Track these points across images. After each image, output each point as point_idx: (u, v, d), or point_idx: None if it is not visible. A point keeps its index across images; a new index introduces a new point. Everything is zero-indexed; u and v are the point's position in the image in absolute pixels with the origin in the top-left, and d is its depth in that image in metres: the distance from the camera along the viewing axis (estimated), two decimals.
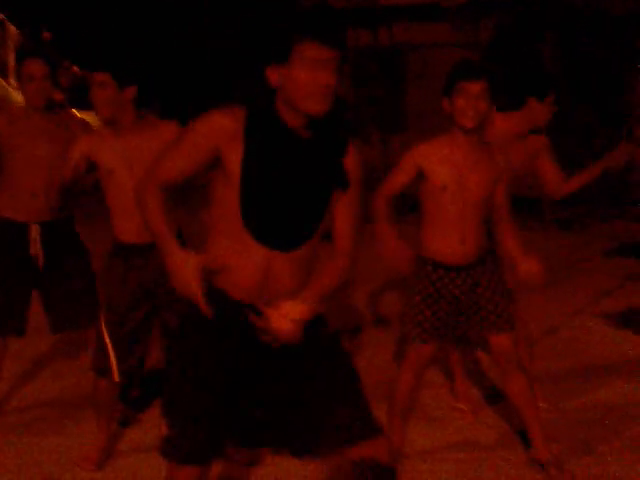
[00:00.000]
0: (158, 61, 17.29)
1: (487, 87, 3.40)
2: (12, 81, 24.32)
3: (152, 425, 4.20)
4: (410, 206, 4.19)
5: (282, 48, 2.27)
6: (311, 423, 2.51)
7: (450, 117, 3.46)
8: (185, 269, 2.32)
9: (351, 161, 2.48)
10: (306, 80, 2.26)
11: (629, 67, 12.08)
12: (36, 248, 4.13)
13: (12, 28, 24.98)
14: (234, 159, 2.34)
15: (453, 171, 3.49)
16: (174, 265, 2.35)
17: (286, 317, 2.36)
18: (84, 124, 4.25)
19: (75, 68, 20.97)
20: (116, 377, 3.70)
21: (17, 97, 22.76)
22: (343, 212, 2.52)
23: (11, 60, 25.66)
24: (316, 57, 2.25)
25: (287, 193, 2.40)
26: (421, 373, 3.78)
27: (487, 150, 3.57)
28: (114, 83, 3.53)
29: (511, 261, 3.62)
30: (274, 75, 2.32)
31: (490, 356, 3.86)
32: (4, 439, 4.08)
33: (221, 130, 2.33)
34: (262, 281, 2.41)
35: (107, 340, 3.67)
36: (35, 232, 4.12)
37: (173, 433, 2.54)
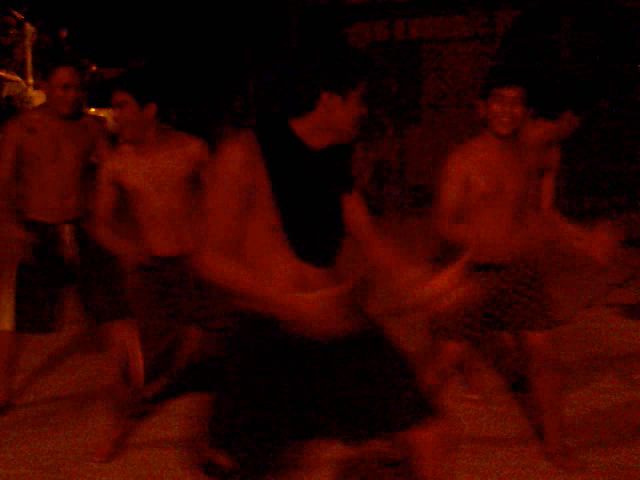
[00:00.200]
0: (171, 70, 17.33)
1: (523, 93, 3.37)
2: (30, 80, 24.55)
3: (163, 418, 4.25)
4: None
5: (347, 83, 2.33)
6: (373, 409, 2.47)
7: (484, 121, 3.45)
8: (303, 305, 2.22)
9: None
10: (358, 113, 2.37)
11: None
12: (71, 247, 4.18)
13: (30, 27, 25.20)
14: (258, 185, 2.33)
15: (491, 177, 3.45)
16: (286, 304, 2.25)
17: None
18: (101, 123, 4.29)
19: (93, 66, 21.13)
20: (138, 382, 3.73)
21: (34, 96, 22.92)
22: (357, 207, 2.58)
23: (28, 59, 25.91)
24: (364, 94, 2.38)
25: (318, 205, 2.43)
26: (447, 373, 3.76)
27: (520, 151, 3.55)
28: (134, 102, 3.55)
29: (573, 240, 3.61)
30: (329, 101, 2.34)
31: (503, 348, 3.88)
32: (19, 431, 4.14)
33: (245, 163, 2.30)
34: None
35: (139, 353, 3.71)
36: (68, 232, 4.17)
37: (234, 465, 2.46)
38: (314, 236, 2.43)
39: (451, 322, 3.58)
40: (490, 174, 3.46)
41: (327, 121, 2.36)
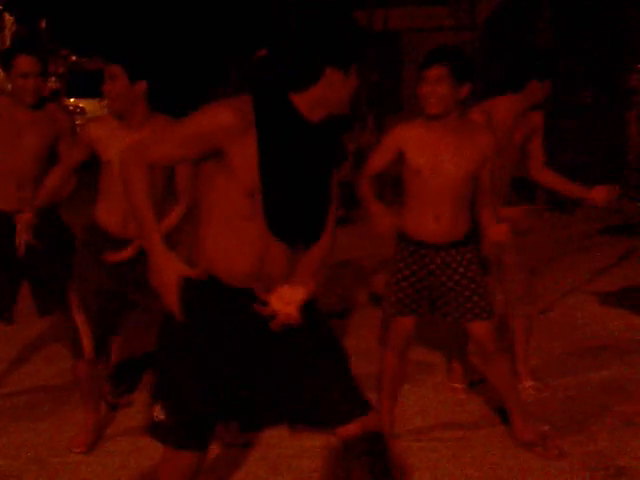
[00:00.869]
0: (164, 59, 17.23)
1: (447, 71, 3.40)
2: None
3: (142, 409, 4.22)
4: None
5: (350, 59, 2.36)
6: (305, 403, 2.53)
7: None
8: (166, 272, 2.38)
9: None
10: (353, 88, 2.40)
11: (627, 44, 12.02)
12: (23, 236, 4.14)
13: (8, 17, 24.97)
14: (243, 153, 2.33)
15: (428, 154, 3.52)
16: (155, 264, 2.39)
17: (288, 302, 2.40)
18: (69, 114, 4.26)
19: (72, 56, 20.98)
20: (88, 354, 3.70)
21: (8, 86, 22.73)
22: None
23: None
24: (347, 79, 2.37)
25: (304, 179, 2.43)
26: (403, 351, 3.80)
27: (469, 132, 3.57)
28: (125, 76, 3.54)
29: (484, 232, 3.67)
30: (332, 75, 2.35)
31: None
32: None
33: (225, 128, 2.30)
34: (259, 268, 2.42)
35: (77, 317, 3.70)
36: (22, 221, 4.11)
37: (170, 419, 2.51)
38: (292, 212, 2.42)
39: (397, 298, 3.66)
40: (426, 151, 3.52)
41: (326, 95, 2.37)
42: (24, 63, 3.96)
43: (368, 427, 2.50)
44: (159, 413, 2.52)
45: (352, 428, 2.48)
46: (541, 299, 5.95)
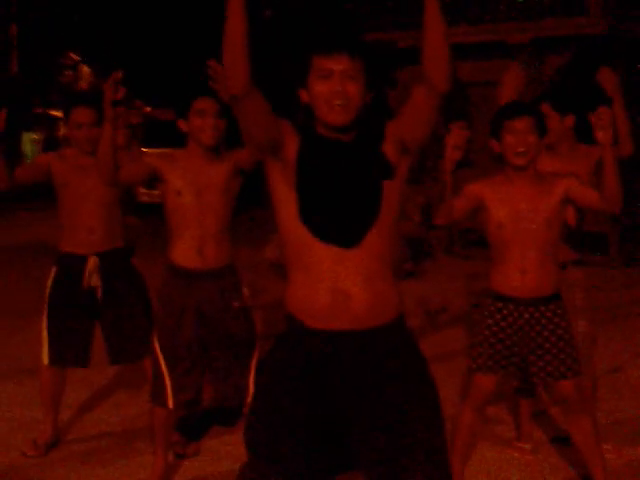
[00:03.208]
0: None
1: (534, 123, 3.47)
2: None
3: (209, 457, 4.25)
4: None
5: (302, 69, 2.44)
6: (388, 459, 2.44)
7: (501, 157, 3.50)
8: None
9: (389, 142, 2.51)
10: (320, 92, 2.42)
11: None
12: (94, 280, 4.25)
13: (85, 69, 25.79)
14: (291, 157, 2.45)
15: (509, 207, 3.53)
16: None
17: None
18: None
19: (147, 108, 21.51)
20: (170, 404, 3.75)
21: None
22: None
23: None
24: (325, 68, 2.41)
25: (336, 190, 2.45)
26: (481, 408, 3.75)
27: (546, 183, 3.57)
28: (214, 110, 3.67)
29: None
30: (304, 95, 2.48)
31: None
32: (67, 467, 4.15)
33: (288, 125, 2.47)
34: (334, 299, 2.41)
35: (162, 365, 3.74)
36: (92, 264, 4.25)
37: (253, 470, 2.52)
38: (327, 210, 2.45)
39: (479, 353, 3.62)
40: (508, 206, 3.53)
41: (314, 111, 2.46)
42: (79, 114, 4.18)
43: None
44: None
45: None
46: (612, 359, 5.84)
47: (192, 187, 3.72)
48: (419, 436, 2.44)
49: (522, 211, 3.52)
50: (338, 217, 2.43)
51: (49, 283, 4.32)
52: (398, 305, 2.53)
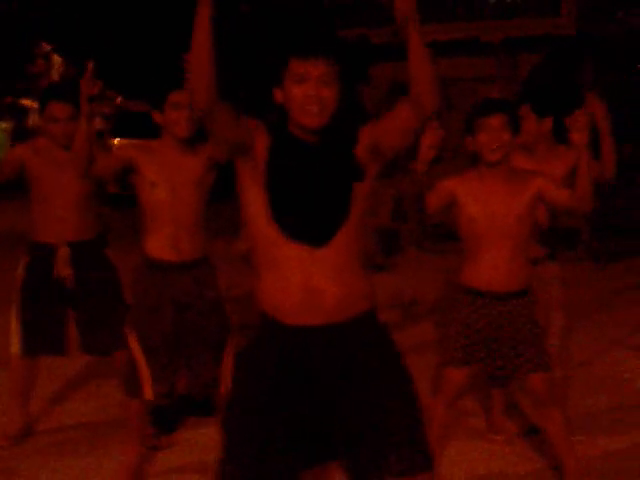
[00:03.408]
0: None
1: (508, 120, 3.51)
2: None
3: (183, 449, 4.23)
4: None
5: (278, 69, 2.45)
6: (365, 446, 2.47)
7: (475, 154, 3.53)
8: None
9: (361, 146, 2.53)
10: (295, 95, 2.43)
11: None
12: (65, 269, 4.21)
13: (57, 58, 25.52)
14: (261, 156, 2.46)
15: (481, 203, 3.56)
16: None
17: None
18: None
19: (119, 97, 21.34)
20: (149, 395, 3.72)
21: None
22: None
23: None
24: (301, 72, 2.42)
25: (306, 190, 2.46)
26: (453, 402, 3.77)
27: (519, 179, 3.60)
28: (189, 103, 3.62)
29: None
30: (279, 94, 2.49)
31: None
32: (40, 459, 4.12)
33: (259, 126, 2.49)
34: (305, 296, 2.43)
35: (139, 357, 3.71)
36: (63, 253, 4.22)
37: (226, 460, 2.53)
38: (295, 208, 2.47)
39: (449, 347, 3.65)
40: (478, 200, 3.56)
41: (288, 112, 2.47)
42: (55, 108, 4.14)
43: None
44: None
45: None
46: (582, 353, 5.88)
47: (167, 182, 3.72)
48: (397, 423, 2.47)
49: (494, 207, 3.55)
50: (308, 216, 2.46)
51: (20, 272, 4.29)
52: (370, 297, 2.57)
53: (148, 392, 3.72)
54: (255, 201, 2.47)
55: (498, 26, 16.72)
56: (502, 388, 4.35)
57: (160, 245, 3.75)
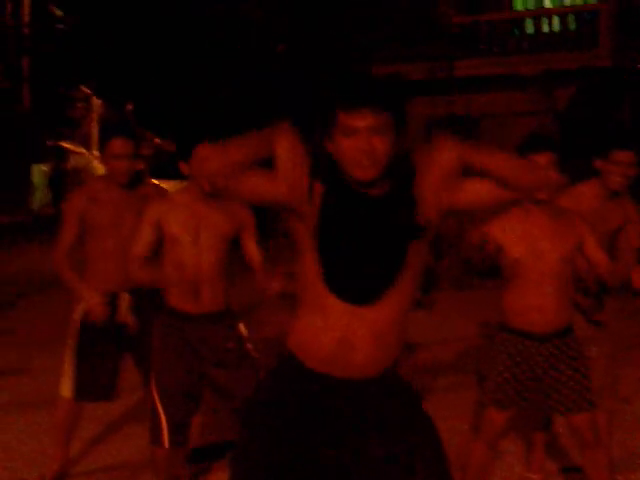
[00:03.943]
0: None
1: (554, 158, 3.46)
2: (95, 152, 25.23)
3: None
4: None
5: (326, 122, 2.37)
6: None
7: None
8: None
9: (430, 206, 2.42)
10: (345, 148, 2.33)
11: None
12: (127, 316, 4.24)
13: (96, 101, 26.00)
14: (314, 207, 2.39)
15: (526, 242, 3.53)
16: None
17: None
18: (162, 192, 4.37)
19: (157, 139, 21.65)
20: (166, 443, 3.76)
21: (99, 167, 23.54)
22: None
23: (94, 132, 26.66)
24: (351, 125, 2.30)
25: (358, 250, 2.39)
26: (494, 443, 3.72)
27: (564, 218, 3.59)
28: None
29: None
30: (330, 146, 2.39)
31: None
32: None
33: (308, 178, 2.40)
34: (337, 350, 2.39)
35: (158, 405, 3.76)
36: (124, 300, 4.24)
37: None
38: (345, 267, 2.39)
39: (491, 388, 3.60)
40: (523, 240, 3.53)
41: (351, 146, 2.34)
42: (117, 145, 4.12)
43: None
44: None
45: None
46: (621, 389, 5.77)
47: (190, 235, 3.75)
48: (422, 468, 2.42)
49: (540, 247, 3.52)
50: (358, 277, 2.39)
51: (76, 317, 4.25)
52: (399, 351, 2.52)
53: (165, 440, 3.75)
54: (306, 251, 2.42)
55: (534, 60, 16.72)
56: (546, 429, 4.30)
57: (182, 296, 3.79)
